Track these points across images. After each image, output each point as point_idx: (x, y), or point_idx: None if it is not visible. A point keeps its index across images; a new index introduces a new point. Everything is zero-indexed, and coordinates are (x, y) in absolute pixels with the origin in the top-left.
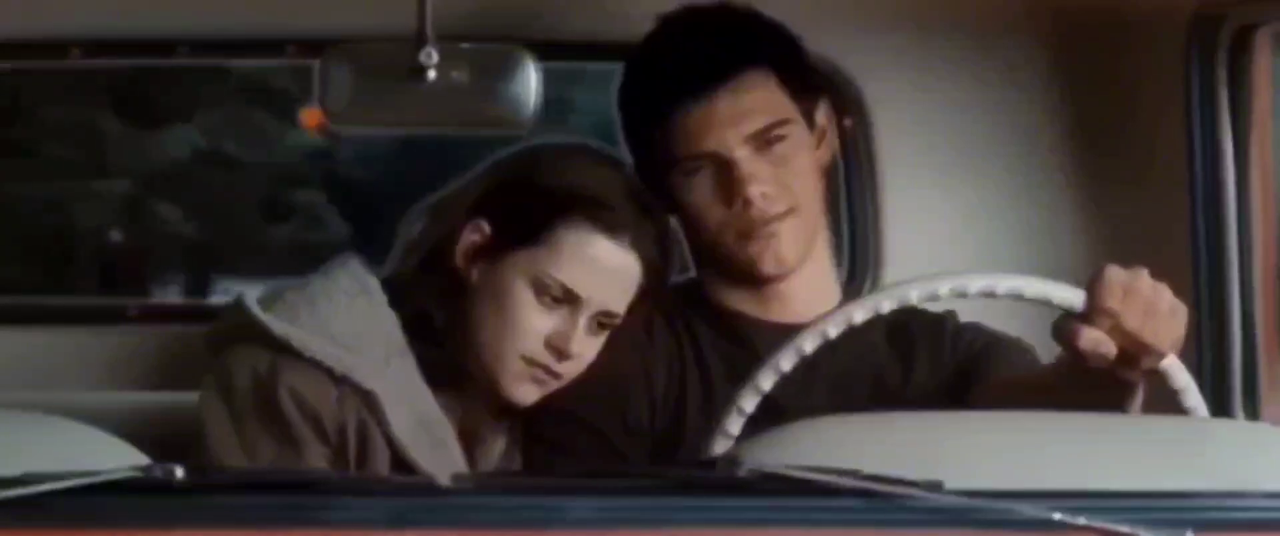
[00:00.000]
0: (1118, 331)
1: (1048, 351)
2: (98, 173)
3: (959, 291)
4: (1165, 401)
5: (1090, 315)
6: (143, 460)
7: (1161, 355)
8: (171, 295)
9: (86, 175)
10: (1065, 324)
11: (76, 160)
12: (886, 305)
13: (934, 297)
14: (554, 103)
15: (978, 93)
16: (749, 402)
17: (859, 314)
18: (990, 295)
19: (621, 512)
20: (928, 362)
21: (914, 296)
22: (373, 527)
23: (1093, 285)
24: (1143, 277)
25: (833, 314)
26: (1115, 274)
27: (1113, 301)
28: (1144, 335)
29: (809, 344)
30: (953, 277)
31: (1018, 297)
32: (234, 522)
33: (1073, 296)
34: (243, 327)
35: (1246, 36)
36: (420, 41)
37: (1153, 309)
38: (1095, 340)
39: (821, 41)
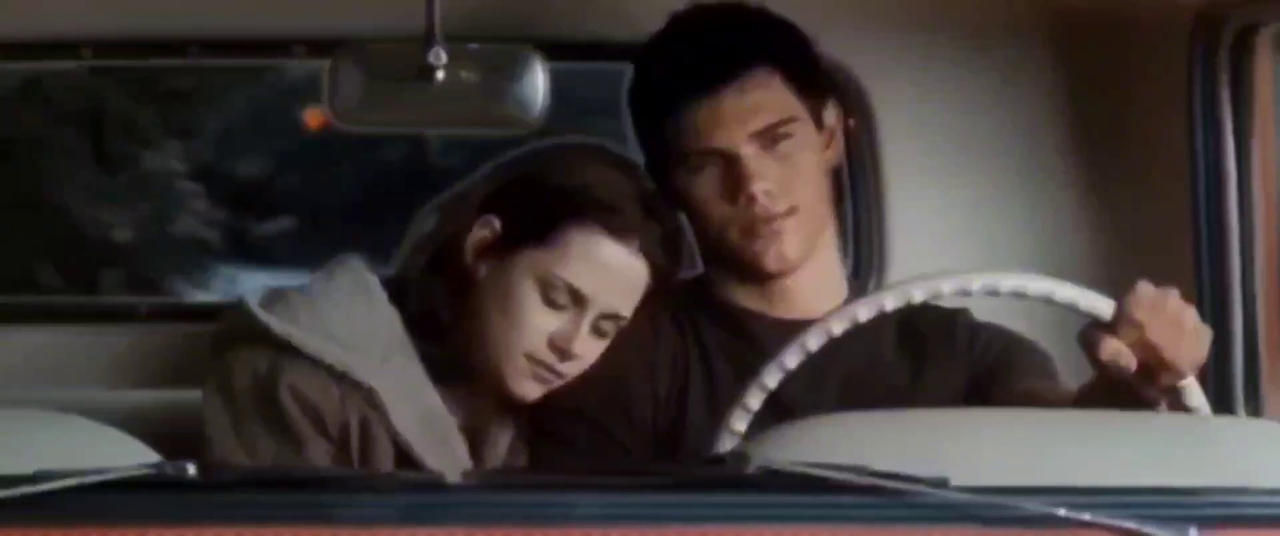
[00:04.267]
0: (1141, 345)
1: (1059, 354)
2: None
3: (990, 289)
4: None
5: (1116, 325)
6: (155, 458)
7: (1181, 374)
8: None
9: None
10: (1090, 333)
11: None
12: (918, 295)
13: (966, 293)
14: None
15: (981, 93)
16: (755, 401)
17: (890, 302)
18: (1021, 296)
19: (628, 509)
20: (939, 362)
21: (947, 288)
22: (382, 524)
23: (1123, 297)
24: (1172, 296)
25: (863, 300)
26: (1146, 289)
27: (1140, 313)
28: (1166, 351)
29: (814, 340)
30: (984, 275)
31: (1048, 301)
32: (245, 520)
33: (1101, 305)
34: (244, 327)
35: (1248, 37)
36: (429, 42)
37: (1178, 326)
38: (1117, 350)
39: (826, 42)
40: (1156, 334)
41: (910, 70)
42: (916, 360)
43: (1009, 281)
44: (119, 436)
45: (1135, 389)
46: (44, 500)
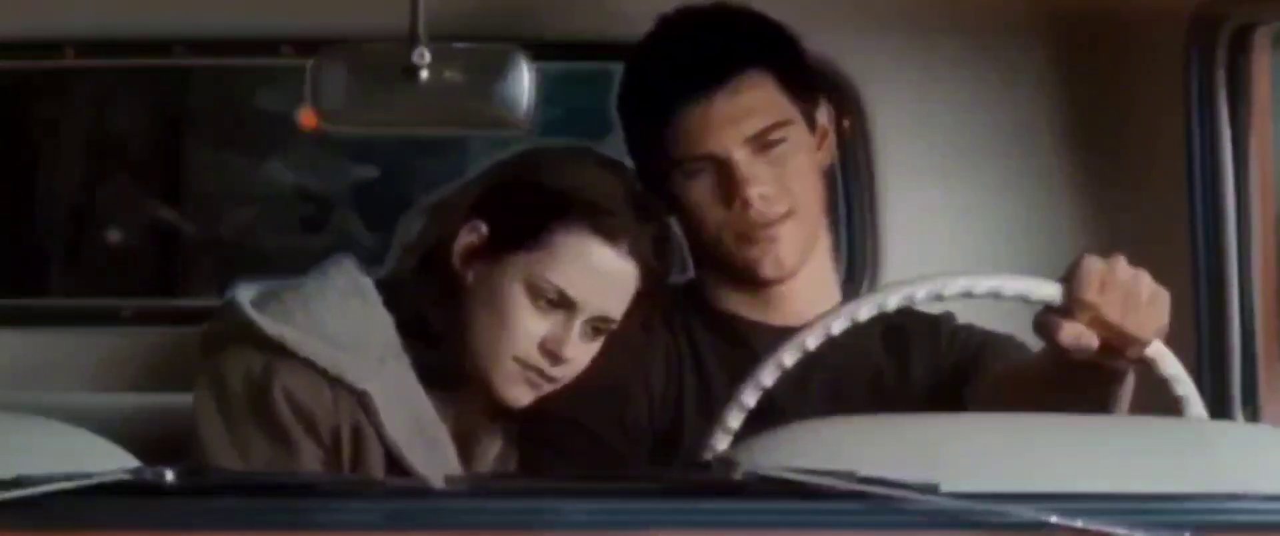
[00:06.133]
0: (1098, 323)
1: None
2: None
3: (935, 294)
4: (1159, 392)
5: (1070, 308)
6: (133, 463)
7: (1145, 344)
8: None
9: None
10: (1046, 319)
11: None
12: (864, 313)
13: (911, 301)
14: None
15: (977, 93)
16: (751, 398)
17: (837, 323)
18: (968, 296)
19: (616, 515)
20: (923, 364)
21: (892, 303)
22: (366, 530)
23: (1070, 278)
24: (1120, 266)
25: (810, 325)
26: (1092, 265)
27: (1091, 294)
28: (1125, 325)
29: (789, 355)
30: (928, 281)
31: (997, 296)
32: (225, 525)
33: (1052, 291)
34: (237, 328)
35: (1245, 36)
36: (413, 42)
37: (1133, 298)
38: (1076, 334)
39: (821, 42)
40: (1112, 310)
41: (909, 70)
42: (903, 364)
43: (954, 284)
44: (97, 441)
45: (1103, 365)
46: (21, 506)
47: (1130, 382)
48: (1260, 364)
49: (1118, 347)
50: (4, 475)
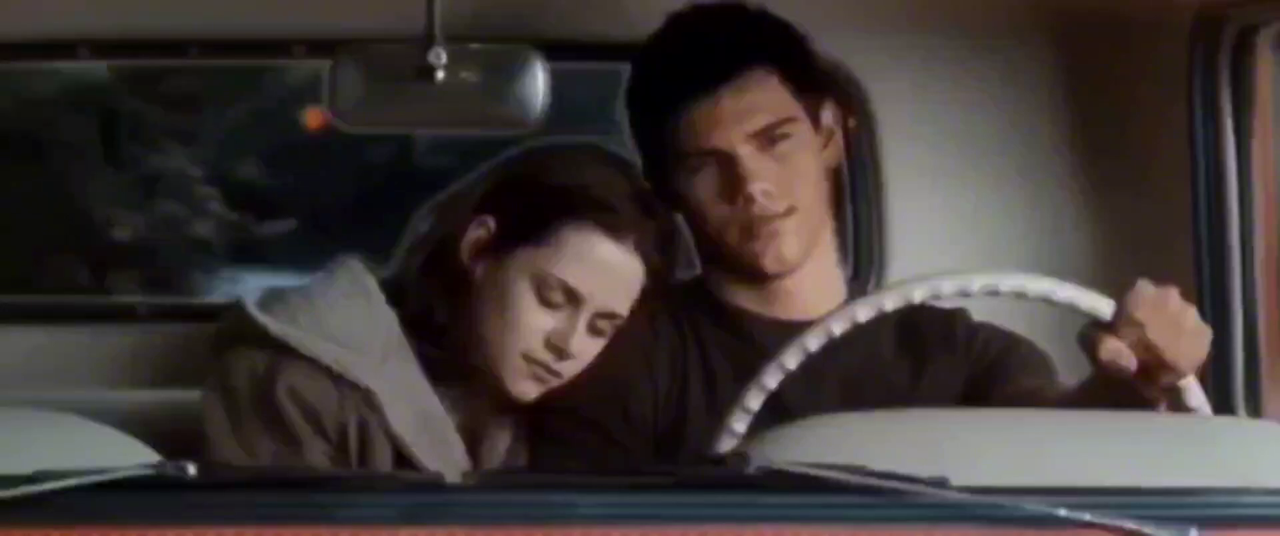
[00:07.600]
0: (1141, 345)
1: (1056, 354)
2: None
3: (991, 288)
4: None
5: (1116, 325)
6: (154, 458)
7: (1181, 374)
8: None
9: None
10: (1090, 332)
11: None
12: (918, 295)
13: (966, 291)
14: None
15: (981, 93)
16: (755, 401)
17: (890, 302)
18: (1021, 296)
19: (628, 510)
20: (938, 362)
21: (946, 288)
22: (382, 525)
23: (1123, 296)
24: (1172, 295)
25: (862, 300)
26: (1146, 288)
27: (1140, 313)
28: (1166, 351)
29: (837, 325)
30: (985, 275)
31: (1047, 300)
32: (245, 520)
33: (1101, 305)
34: (242, 328)
35: (1248, 38)
36: (429, 42)
37: (1178, 326)
38: (1117, 350)
39: (825, 42)
40: (1156, 333)
41: (910, 70)
42: (916, 360)
43: (1009, 281)
44: (118, 436)
45: (1135, 388)
46: (43, 500)
47: None
48: (1262, 360)
49: (1154, 373)
50: (27, 470)
